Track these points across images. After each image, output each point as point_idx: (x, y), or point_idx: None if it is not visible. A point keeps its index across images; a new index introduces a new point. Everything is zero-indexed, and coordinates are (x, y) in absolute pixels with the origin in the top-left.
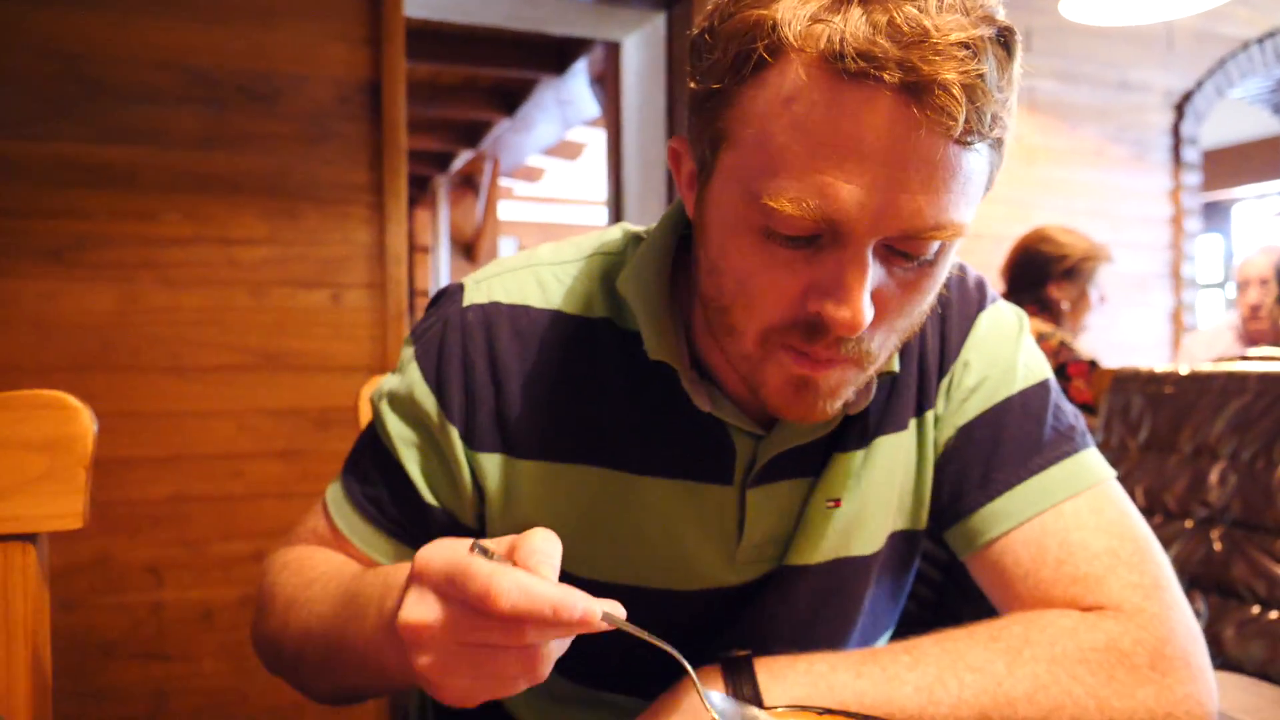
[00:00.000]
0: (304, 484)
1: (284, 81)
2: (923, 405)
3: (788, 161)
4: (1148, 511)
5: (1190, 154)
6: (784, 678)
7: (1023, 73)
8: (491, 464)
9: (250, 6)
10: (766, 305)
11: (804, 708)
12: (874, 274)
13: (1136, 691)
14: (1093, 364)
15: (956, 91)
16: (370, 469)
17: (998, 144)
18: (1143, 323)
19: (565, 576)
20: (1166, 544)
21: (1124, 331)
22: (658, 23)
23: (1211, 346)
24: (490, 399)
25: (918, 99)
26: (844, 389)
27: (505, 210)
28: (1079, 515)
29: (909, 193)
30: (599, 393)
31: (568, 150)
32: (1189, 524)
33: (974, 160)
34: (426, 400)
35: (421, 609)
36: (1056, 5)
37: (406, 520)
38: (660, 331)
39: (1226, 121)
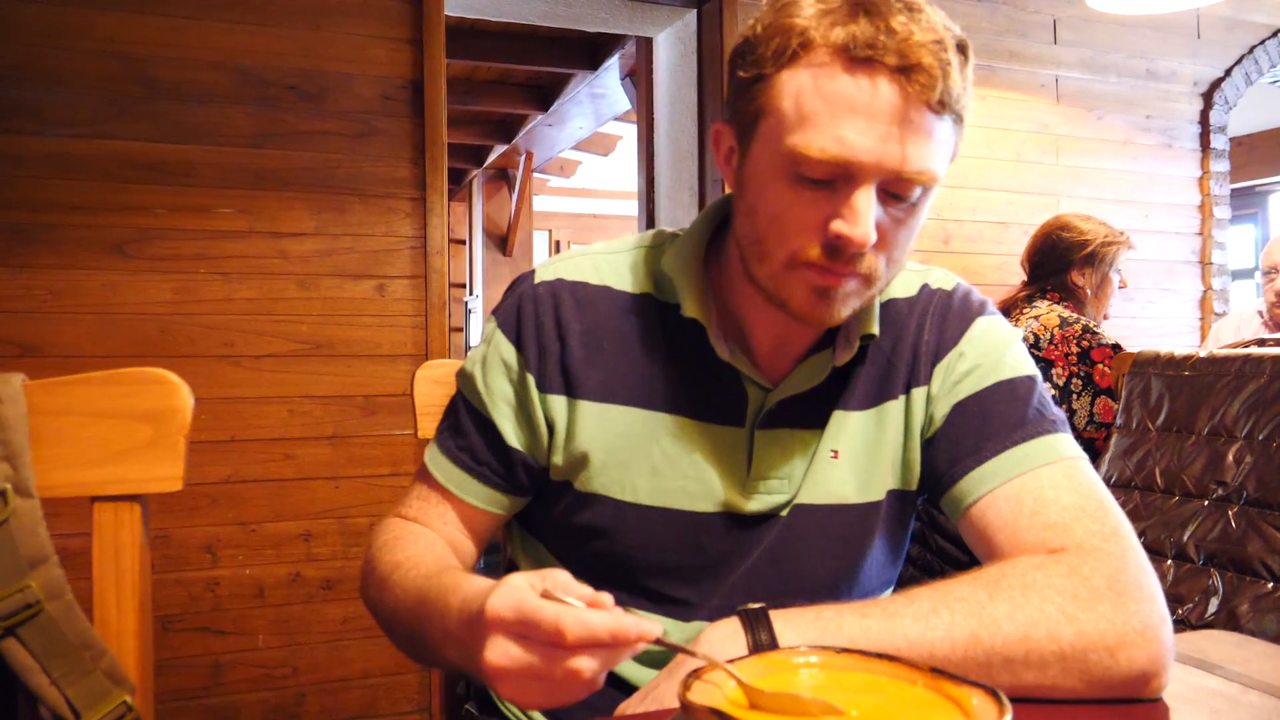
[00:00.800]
0: (351, 467)
1: (331, 81)
2: (914, 382)
3: (815, 121)
4: (1166, 491)
5: (1219, 141)
6: (796, 624)
7: (1050, 63)
8: (558, 404)
9: (299, 9)
10: (795, 232)
11: (823, 648)
12: (875, 209)
13: (1098, 606)
14: (1116, 348)
15: (934, 70)
16: (462, 425)
17: (959, 120)
18: (1172, 309)
19: (611, 501)
20: (1184, 522)
21: (1153, 318)
22: (689, 19)
23: (1239, 332)
24: (557, 352)
25: (907, 76)
26: (852, 299)
27: (539, 203)
28: (1053, 478)
29: (900, 144)
30: (641, 349)
31: (601, 144)
32: (1206, 503)
33: (943, 128)
34: (510, 355)
35: (500, 653)
36: None
37: (494, 463)
38: (695, 294)
39: (1264, 107)
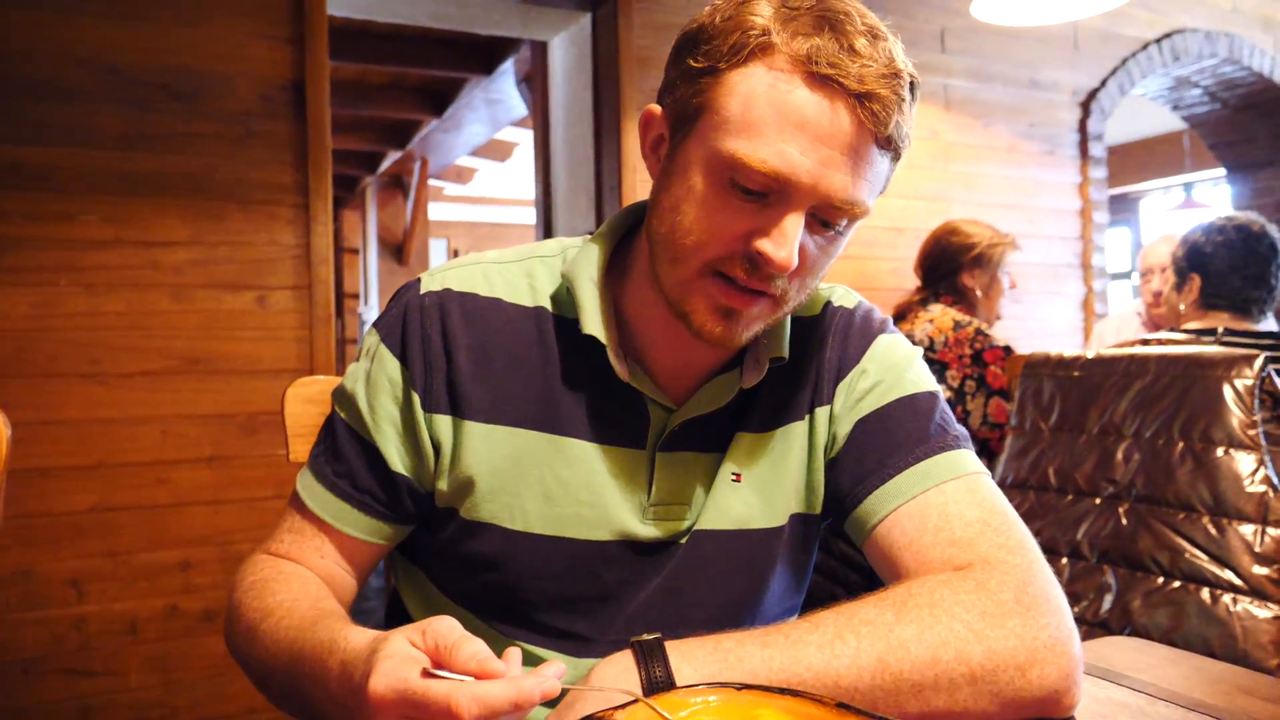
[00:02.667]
0: (232, 490)
1: (207, 80)
2: (817, 401)
3: (760, 130)
4: (1060, 490)
5: (1096, 149)
6: (694, 656)
7: (939, 71)
8: (444, 424)
9: (172, 4)
10: (716, 238)
11: (722, 685)
12: (802, 233)
13: (1006, 622)
14: (1008, 349)
15: (889, 104)
16: (339, 450)
17: (895, 158)
18: (1057, 311)
19: (499, 530)
20: (1078, 520)
21: (1040, 320)
22: (584, 23)
23: (1120, 332)
24: (443, 368)
25: (862, 104)
26: (757, 322)
27: (435, 211)
28: (957, 493)
29: (842, 171)
30: (533, 366)
31: (498, 150)
32: (1098, 501)
33: (882, 163)
34: (395, 371)
35: None
36: (969, 6)
37: (376, 490)
38: (595, 310)
39: (1134, 118)
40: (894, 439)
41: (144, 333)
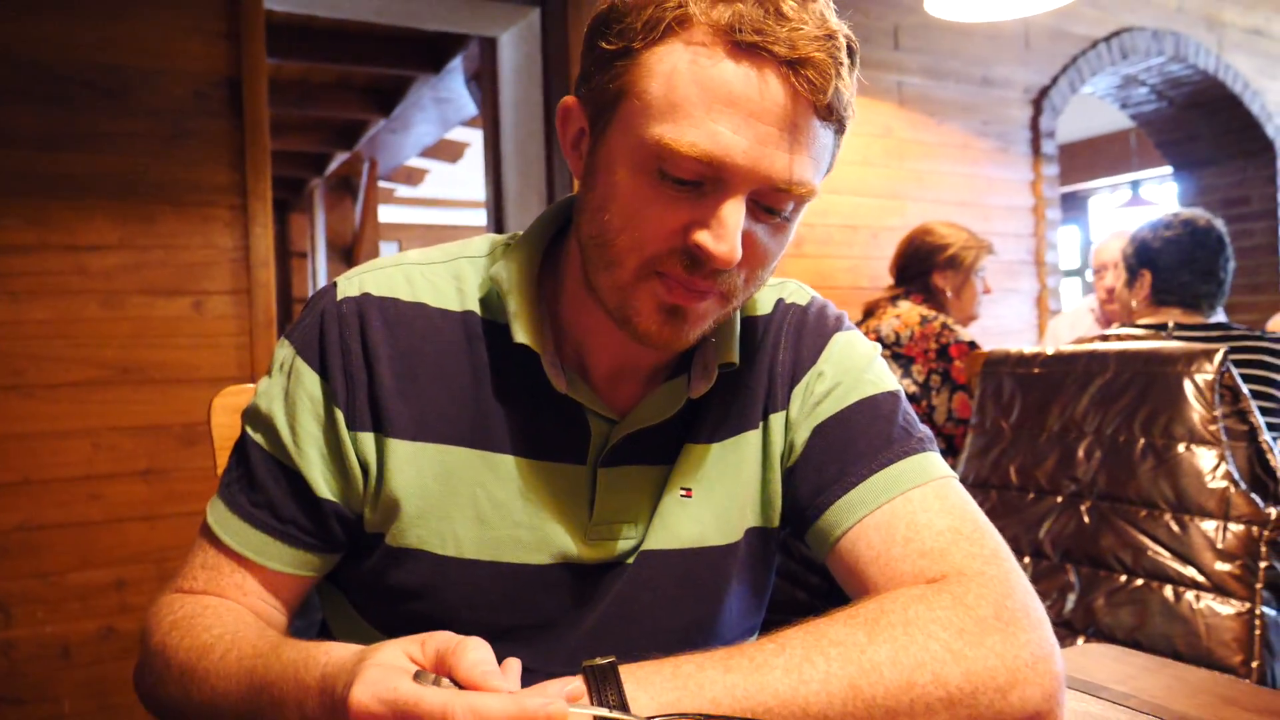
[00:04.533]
0: (169, 504)
1: (135, 76)
2: (770, 407)
3: (687, 111)
4: (1021, 489)
5: (1048, 147)
6: (650, 683)
7: (892, 68)
8: (367, 443)
9: None
10: (650, 236)
11: (681, 715)
12: (744, 221)
13: (985, 640)
14: (973, 345)
15: (825, 68)
16: (257, 478)
17: (840, 130)
18: (1011, 308)
19: (428, 556)
20: (1040, 519)
21: (996, 317)
22: (532, 19)
23: (1074, 328)
24: (365, 382)
25: (795, 71)
26: (706, 320)
27: (386, 213)
28: (925, 500)
29: (781, 149)
30: (463, 377)
31: (449, 151)
32: (1059, 499)
33: (826, 136)
34: (314, 386)
35: None
36: (922, 3)
37: (301, 519)
38: (528, 316)
39: (1082, 117)
40: (855, 445)
41: (71, 341)
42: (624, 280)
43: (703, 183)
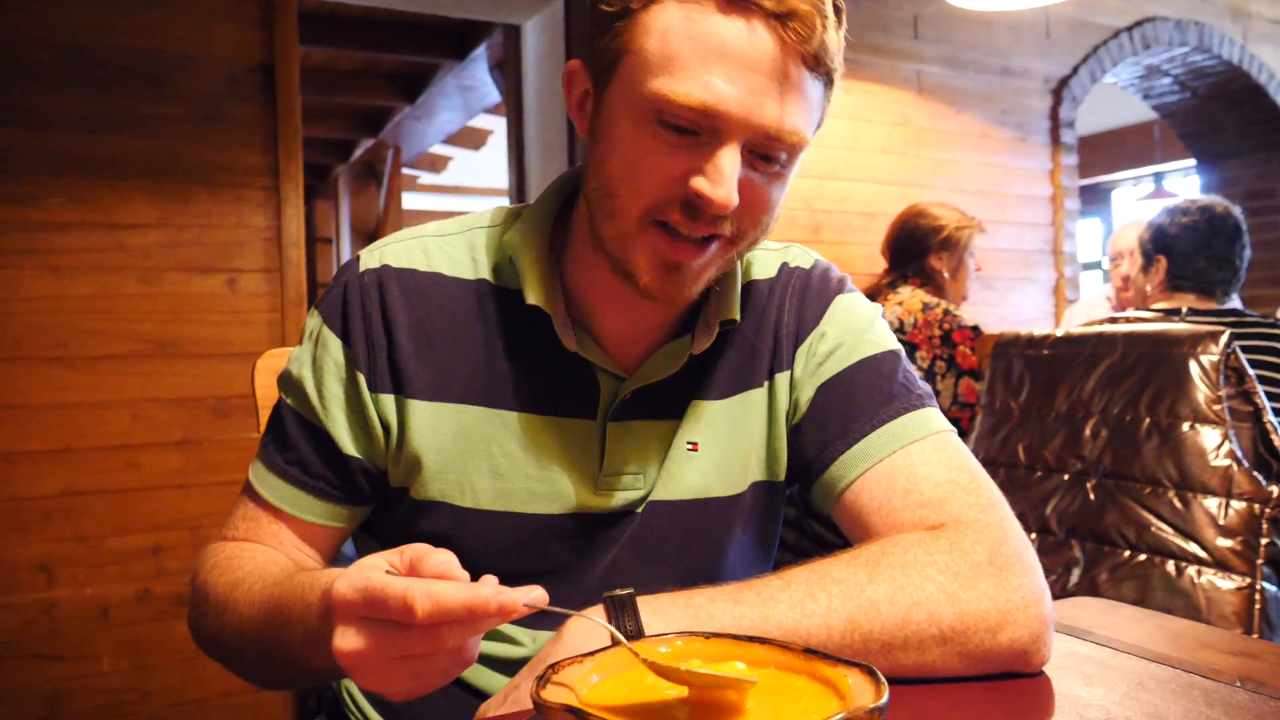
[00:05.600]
0: (203, 474)
1: (172, 62)
2: (776, 367)
3: (682, 64)
4: (1029, 467)
5: (1068, 136)
6: (665, 612)
7: (912, 57)
8: (388, 405)
9: None
10: (651, 184)
11: (691, 633)
12: (740, 170)
13: (979, 584)
14: (976, 330)
15: (811, 20)
16: (290, 437)
17: (829, 84)
18: (1029, 297)
19: (448, 507)
20: (1047, 497)
21: (1012, 305)
22: (556, 6)
23: (1089, 316)
24: (385, 347)
25: (783, 23)
26: (707, 272)
27: (409, 200)
28: (924, 454)
29: (772, 98)
30: (477, 340)
31: (472, 138)
32: (1066, 477)
33: (815, 88)
34: (338, 351)
35: (351, 638)
36: None
37: (330, 475)
38: (539, 278)
39: (1106, 109)
40: (857, 402)
41: (111, 316)
42: (626, 229)
43: (699, 133)
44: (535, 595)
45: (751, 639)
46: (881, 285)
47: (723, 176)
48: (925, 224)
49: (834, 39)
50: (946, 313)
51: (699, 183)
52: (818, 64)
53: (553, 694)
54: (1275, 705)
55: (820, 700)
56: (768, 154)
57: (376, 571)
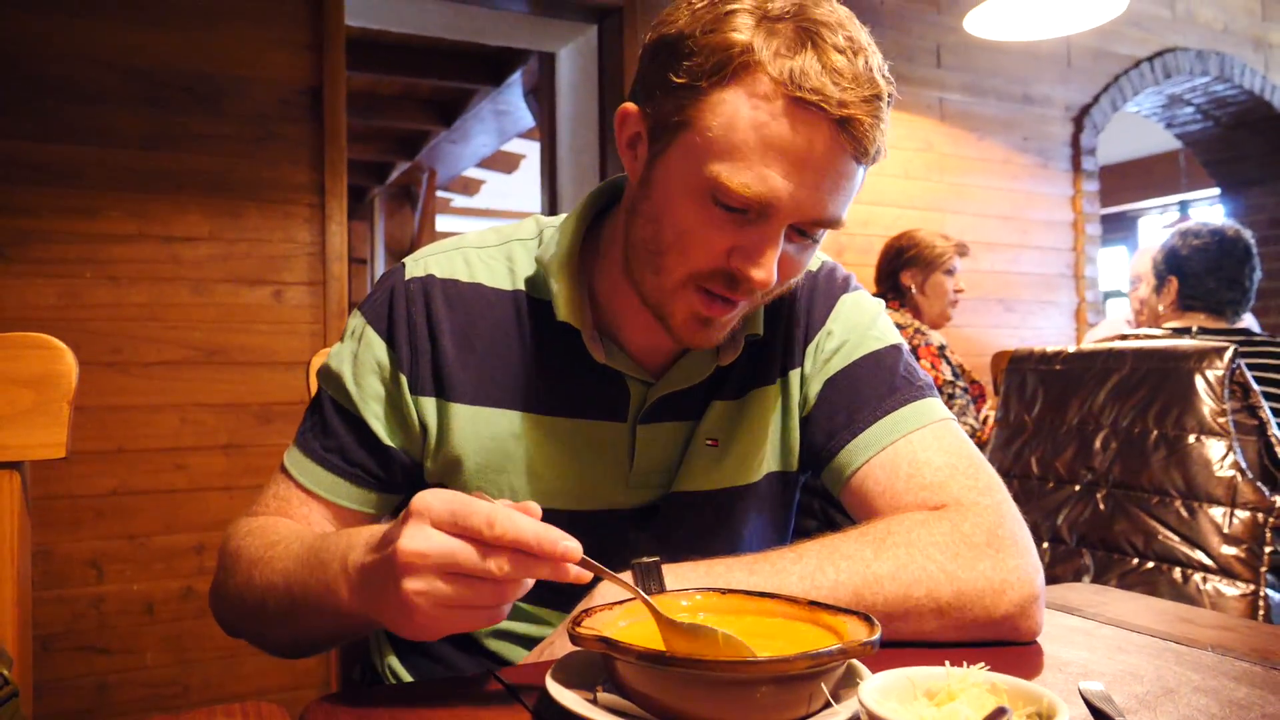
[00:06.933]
0: (246, 477)
1: (227, 84)
2: (788, 365)
3: (745, 154)
4: (1041, 478)
5: (1088, 163)
6: (687, 578)
7: (934, 85)
8: (429, 407)
9: (195, 10)
10: (698, 255)
11: (707, 589)
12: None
13: (977, 564)
14: (941, 348)
15: (870, 129)
16: (330, 425)
17: (870, 165)
18: (1049, 320)
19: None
20: (1058, 507)
21: (1034, 329)
22: (590, 35)
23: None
24: (428, 352)
25: (846, 131)
26: (732, 323)
27: (443, 223)
28: (925, 441)
29: (823, 193)
30: (514, 348)
31: (505, 162)
32: (1077, 488)
33: (859, 175)
34: (382, 353)
35: (420, 539)
36: (962, 22)
37: (370, 463)
38: (569, 297)
39: (1131, 138)
40: (862, 394)
41: (164, 324)
42: (668, 286)
43: (748, 211)
44: (579, 549)
45: (762, 594)
46: None
47: (765, 260)
48: (898, 244)
49: (884, 135)
50: (917, 331)
51: (744, 265)
52: (868, 158)
53: (587, 631)
54: (1242, 666)
55: (822, 639)
56: (807, 231)
57: (461, 494)
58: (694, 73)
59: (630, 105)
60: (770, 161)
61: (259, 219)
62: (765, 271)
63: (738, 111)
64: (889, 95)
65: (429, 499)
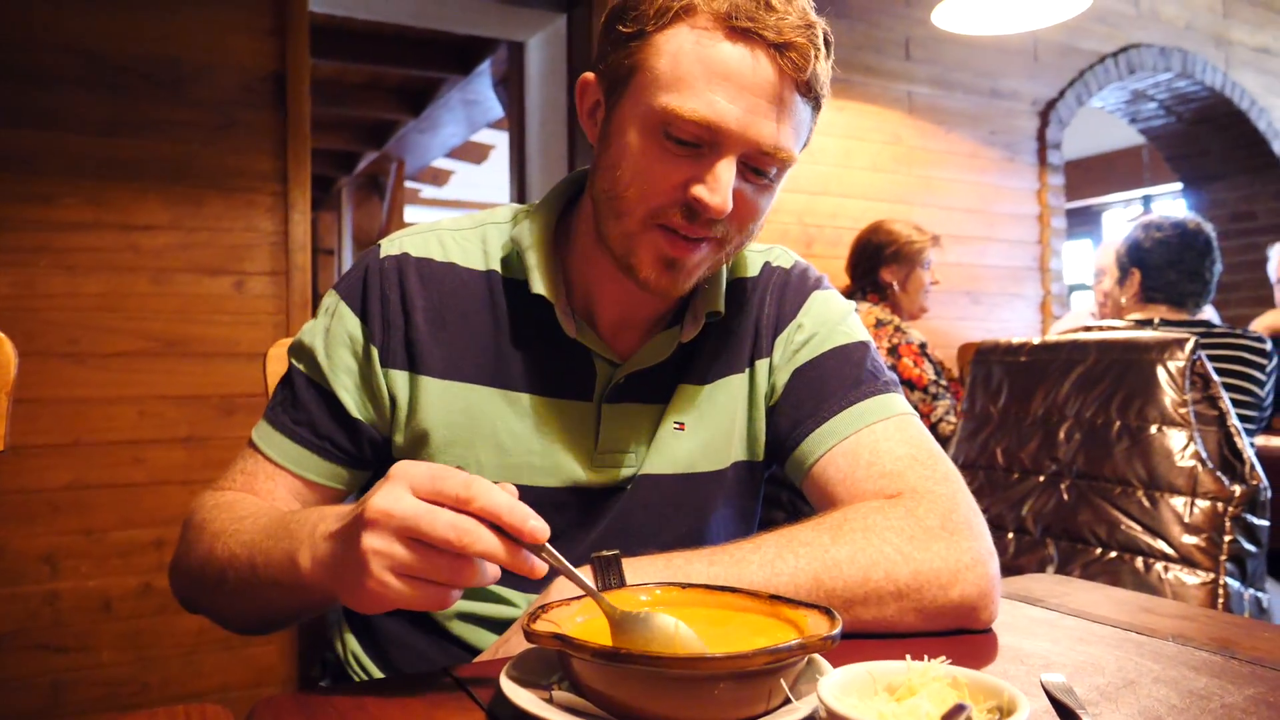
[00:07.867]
0: (207, 470)
1: (188, 69)
2: (756, 354)
3: (690, 83)
4: (1007, 469)
5: (1054, 157)
6: (646, 571)
7: (903, 78)
8: (400, 380)
9: None
10: (655, 190)
11: (669, 584)
12: (735, 180)
13: (932, 545)
14: (922, 346)
15: (806, 51)
16: (299, 400)
17: (816, 108)
18: (1015, 313)
19: None
20: (1023, 498)
21: (1000, 321)
22: (559, 24)
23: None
24: (401, 326)
25: (781, 52)
26: (699, 270)
27: (411, 214)
28: (886, 432)
29: (768, 118)
30: (486, 326)
31: (474, 152)
32: (1041, 479)
33: (805, 111)
34: (354, 327)
35: (390, 498)
36: (930, 16)
37: (339, 436)
38: (545, 270)
39: (1095, 133)
40: (828, 386)
41: (123, 314)
42: (631, 228)
43: (701, 145)
44: (548, 531)
45: (723, 588)
46: None
47: (720, 185)
48: (878, 239)
49: (824, 69)
50: (897, 329)
51: (699, 190)
52: (809, 90)
53: (542, 627)
54: (1201, 656)
55: (782, 633)
56: (760, 168)
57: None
58: (639, 20)
59: (588, 74)
60: (715, 87)
61: (220, 207)
62: (720, 197)
63: (681, 47)
64: (825, 32)
65: (410, 465)
